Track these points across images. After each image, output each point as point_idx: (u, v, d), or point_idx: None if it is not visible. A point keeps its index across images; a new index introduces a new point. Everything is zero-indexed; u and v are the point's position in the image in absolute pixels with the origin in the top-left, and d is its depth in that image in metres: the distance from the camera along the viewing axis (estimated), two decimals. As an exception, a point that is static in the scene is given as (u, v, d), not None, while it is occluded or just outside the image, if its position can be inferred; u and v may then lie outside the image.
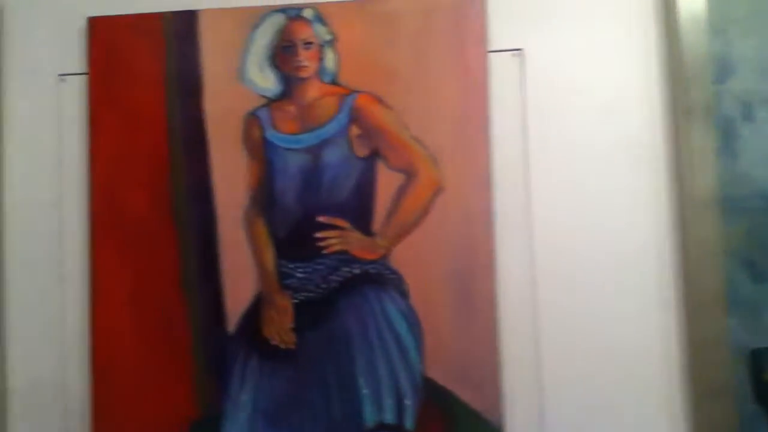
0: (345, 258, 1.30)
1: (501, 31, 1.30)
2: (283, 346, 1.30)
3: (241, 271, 1.32)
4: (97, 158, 1.35)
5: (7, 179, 1.41)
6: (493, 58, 1.30)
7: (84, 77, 1.38)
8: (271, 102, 1.33)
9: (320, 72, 1.32)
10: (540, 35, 1.32)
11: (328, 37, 1.32)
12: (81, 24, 1.39)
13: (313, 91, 1.32)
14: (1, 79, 1.42)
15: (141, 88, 1.35)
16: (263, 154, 1.32)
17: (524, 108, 1.30)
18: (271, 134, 1.33)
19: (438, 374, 1.26)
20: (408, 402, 1.26)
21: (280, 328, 1.30)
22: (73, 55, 1.40)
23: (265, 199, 1.32)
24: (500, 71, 1.30)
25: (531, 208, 1.29)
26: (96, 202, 1.34)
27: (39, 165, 1.40)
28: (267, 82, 1.33)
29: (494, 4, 1.30)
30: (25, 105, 1.41)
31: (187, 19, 1.35)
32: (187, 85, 1.34)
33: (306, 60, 1.31)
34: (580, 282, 1.28)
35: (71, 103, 1.39)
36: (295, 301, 1.30)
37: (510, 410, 1.25)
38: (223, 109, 1.33)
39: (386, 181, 1.29)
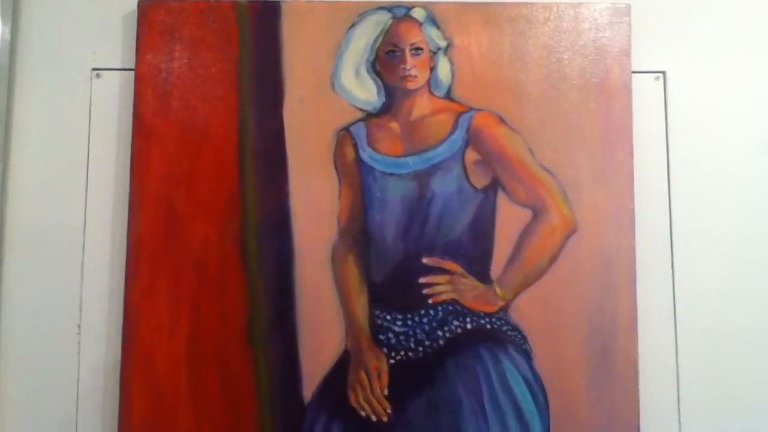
0: (455, 310, 1.12)
1: (642, 50, 1.17)
2: (374, 417, 1.10)
3: (324, 323, 1.12)
4: (141, 176, 1.13)
5: (13, 196, 1.18)
6: (633, 79, 1.16)
7: (125, 74, 1.18)
8: (369, 116, 1.15)
9: (431, 84, 1.15)
10: (684, 56, 1.20)
11: (442, 43, 1.16)
12: (126, 9, 1.19)
13: (421, 105, 1.15)
14: (14, 76, 1.19)
15: (205, 92, 1.14)
16: (357, 178, 1.14)
17: (667, 137, 1.18)
18: (367, 155, 1.14)
19: (568, 454, 1.11)
20: (529, 487, 1.09)
21: (372, 395, 1.10)
22: (113, 45, 1.19)
23: (358, 233, 1.13)
24: (640, 94, 1.16)
25: (674, 255, 1.16)
26: (137, 230, 1.12)
27: (59, 181, 1.17)
28: (365, 92, 1.15)
29: (636, 21, 1.17)
30: (47, 106, 1.19)
31: (268, 11, 1.15)
32: (264, 91, 1.14)
33: (414, 68, 1.14)
34: (726, 343, 1.15)
35: (107, 105, 1.18)
36: (392, 361, 1.11)
37: (649, 497, 1.11)
38: (309, 123, 1.14)
39: (508, 218, 1.12)
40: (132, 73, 1.16)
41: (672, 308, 1.15)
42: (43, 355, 1.16)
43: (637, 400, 1.10)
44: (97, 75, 1.19)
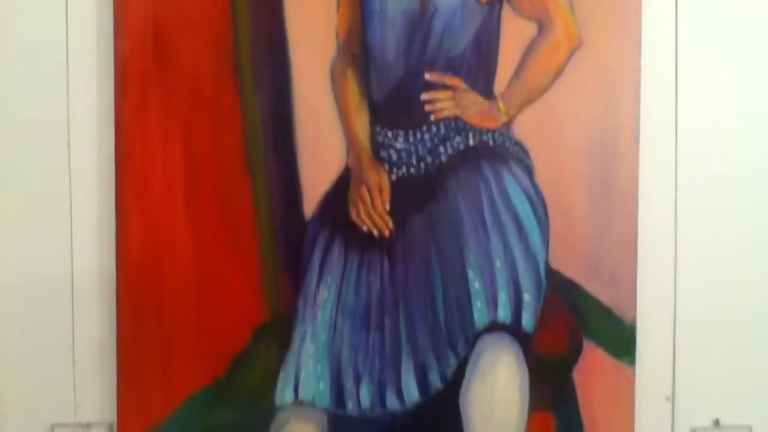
0: (457, 126, 1.15)
1: None
2: (375, 232, 1.15)
3: (324, 141, 1.15)
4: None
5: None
6: None
7: None
8: None
9: None
10: None
11: None
12: None
13: None
14: None
15: None
16: (356, -10, 1.14)
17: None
18: (366, -36, 1.14)
19: (565, 265, 1.16)
20: (528, 297, 1.15)
21: (374, 211, 1.15)
22: None
23: (357, 50, 1.14)
24: None
25: (678, 68, 1.18)
26: (123, 51, 1.12)
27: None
28: None
29: None
30: None
31: None
32: None
33: None
34: (726, 161, 1.20)
35: None
36: (393, 177, 1.15)
37: (642, 309, 1.17)
38: (304, -71, 1.13)
39: (513, 32, 1.13)
40: None
41: (674, 123, 1.19)
42: (33, 177, 1.18)
43: (636, 216, 1.16)
44: None
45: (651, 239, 1.18)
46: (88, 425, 1.16)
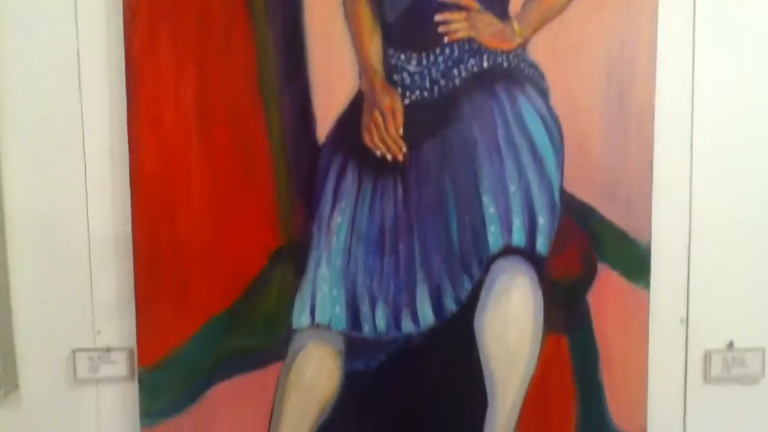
0: (472, 48, 1.14)
1: None
2: (389, 157, 1.15)
3: (336, 65, 1.14)
4: None
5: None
6: None
7: None
8: None
9: None
10: None
11: None
12: None
13: None
14: None
15: None
16: None
17: None
18: None
19: (580, 189, 1.16)
20: (542, 221, 1.16)
21: (387, 135, 1.15)
22: None
23: (370, -31, 1.13)
24: None
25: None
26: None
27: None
28: None
29: None
30: None
31: None
32: None
33: None
34: (742, 97, 1.20)
35: None
36: (406, 101, 1.15)
37: (657, 232, 1.18)
38: None
39: (529, -51, 1.13)
40: None
41: (691, 46, 1.18)
42: (45, 115, 1.17)
43: (652, 138, 1.16)
44: None
45: (667, 162, 1.18)
46: (108, 349, 1.18)
